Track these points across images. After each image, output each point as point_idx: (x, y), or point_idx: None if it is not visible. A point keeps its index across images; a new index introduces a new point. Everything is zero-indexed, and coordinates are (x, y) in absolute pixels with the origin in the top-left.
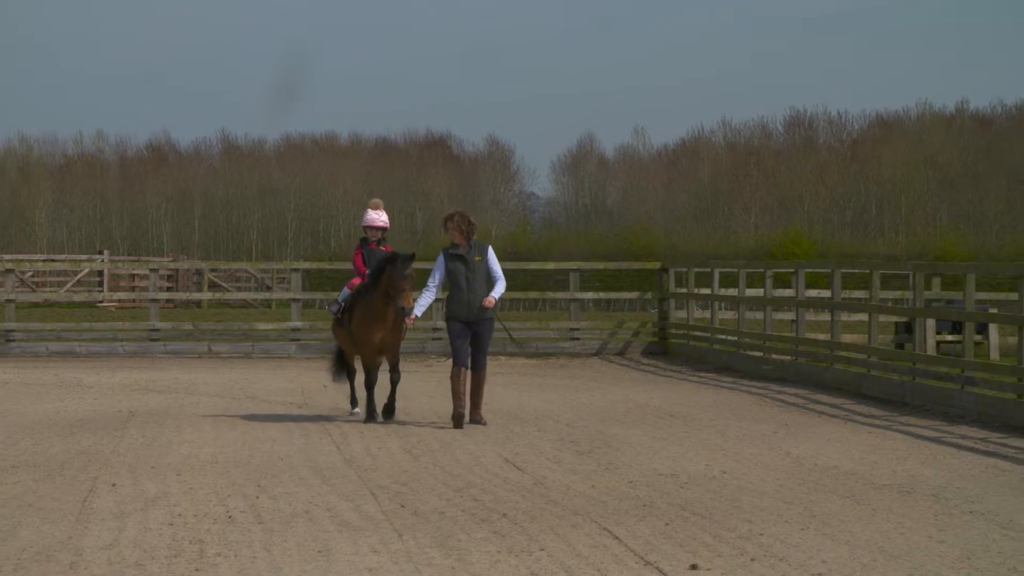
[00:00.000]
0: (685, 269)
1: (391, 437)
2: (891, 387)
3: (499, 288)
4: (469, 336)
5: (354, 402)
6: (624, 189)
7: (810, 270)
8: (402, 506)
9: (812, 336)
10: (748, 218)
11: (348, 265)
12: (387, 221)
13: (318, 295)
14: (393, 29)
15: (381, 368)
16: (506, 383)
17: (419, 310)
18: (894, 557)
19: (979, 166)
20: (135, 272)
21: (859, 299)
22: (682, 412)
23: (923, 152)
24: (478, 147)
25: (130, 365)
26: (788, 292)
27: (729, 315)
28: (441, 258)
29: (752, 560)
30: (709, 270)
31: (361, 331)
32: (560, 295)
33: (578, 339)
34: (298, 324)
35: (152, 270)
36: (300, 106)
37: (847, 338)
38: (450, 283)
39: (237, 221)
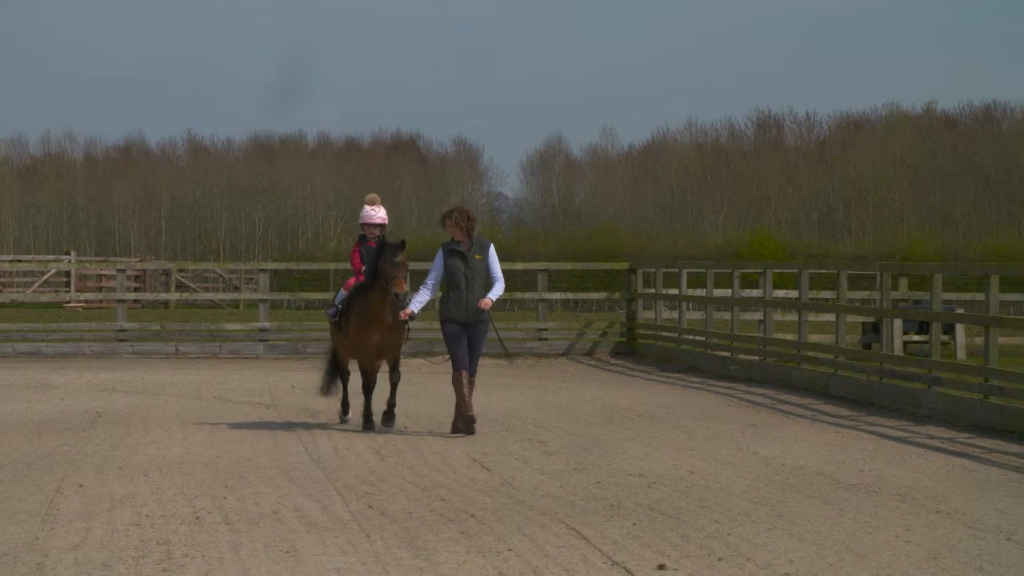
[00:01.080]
0: (653, 269)
1: (359, 437)
2: (858, 387)
3: (497, 290)
4: (465, 339)
5: (346, 409)
6: (592, 189)
7: (778, 270)
8: (370, 506)
9: (780, 336)
10: (716, 219)
11: (315, 265)
12: (385, 217)
13: (286, 295)
14: (361, 31)
15: (379, 369)
16: (477, 385)
17: (415, 307)
18: (861, 556)
19: (947, 167)
20: (102, 272)
21: (826, 299)
22: (650, 412)
23: (891, 153)
24: (446, 148)
25: (97, 366)
26: (756, 292)
27: (697, 315)
28: (440, 255)
29: (719, 560)
30: (677, 270)
31: (359, 334)
32: (528, 295)
33: (546, 339)
34: (266, 324)
35: (119, 270)
36: (301, 104)
37: (814, 338)
38: (447, 281)
39: (205, 222)
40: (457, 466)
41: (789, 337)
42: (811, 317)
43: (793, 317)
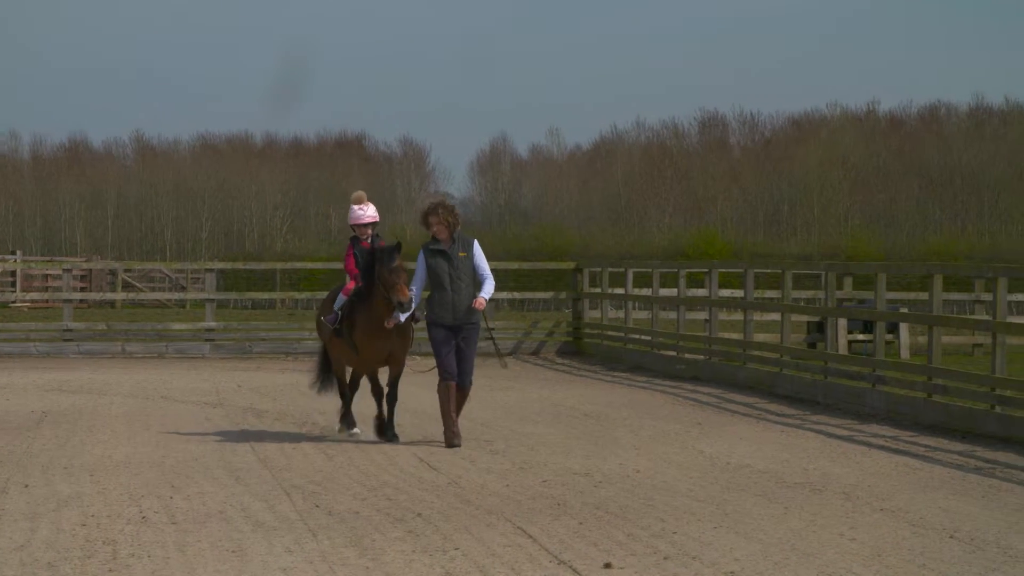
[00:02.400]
0: (599, 269)
1: (305, 437)
2: (803, 386)
3: (488, 287)
4: (454, 344)
5: (350, 422)
6: (538, 189)
7: (723, 270)
8: (317, 506)
9: (725, 336)
10: (662, 218)
11: (262, 265)
12: (376, 214)
13: (233, 295)
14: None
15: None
16: (419, 382)
17: (403, 317)
18: (806, 555)
19: (890, 166)
20: (48, 272)
21: (772, 299)
22: (596, 411)
23: (835, 153)
24: (392, 147)
25: (43, 365)
26: (702, 292)
27: (643, 315)
28: (421, 256)
29: (665, 558)
30: (623, 270)
31: (366, 341)
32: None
33: (493, 339)
34: (212, 324)
35: (66, 270)
36: (298, 105)
37: (760, 337)
38: (431, 282)
39: (151, 221)
40: (404, 465)
41: (735, 336)
42: (756, 316)
43: (739, 316)
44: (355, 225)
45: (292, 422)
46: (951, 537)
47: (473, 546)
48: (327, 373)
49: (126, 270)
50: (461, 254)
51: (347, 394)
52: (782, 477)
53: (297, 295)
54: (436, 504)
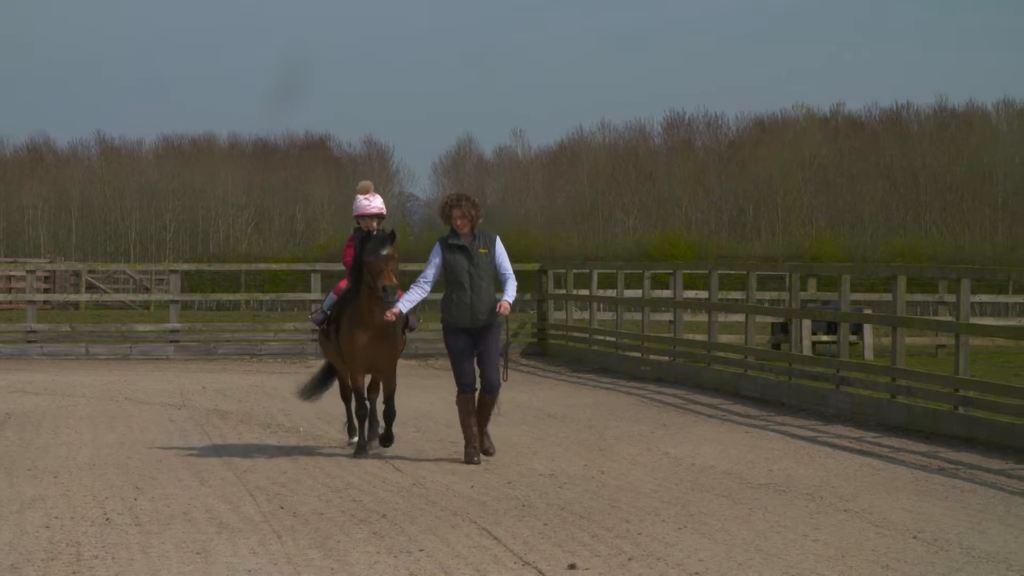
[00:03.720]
0: (564, 270)
1: (270, 438)
2: (767, 387)
3: (512, 289)
4: (473, 350)
5: (354, 430)
6: (503, 191)
7: (688, 271)
8: (281, 507)
9: (690, 337)
10: (627, 220)
11: (227, 266)
12: (383, 206)
13: (197, 297)
14: (270, 30)
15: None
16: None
17: (405, 305)
18: (770, 556)
19: (854, 168)
20: (11, 274)
21: (736, 300)
22: (561, 412)
23: (800, 154)
24: (356, 148)
25: (6, 367)
26: (666, 293)
27: (607, 316)
28: (438, 248)
29: (630, 559)
30: (588, 271)
31: (348, 340)
32: (439, 296)
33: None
34: (177, 326)
35: (29, 271)
36: (299, 104)
37: (724, 338)
38: (447, 281)
39: (115, 222)
40: (368, 467)
41: (699, 338)
42: (721, 317)
43: (703, 317)
44: (360, 216)
45: (257, 424)
46: (914, 538)
47: (438, 547)
48: (322, 383)
49: (90, 271)
50: (482, 251)
51: (349, 402)
52: (746, 478)
53: (262, 296)
54: (401, 505)
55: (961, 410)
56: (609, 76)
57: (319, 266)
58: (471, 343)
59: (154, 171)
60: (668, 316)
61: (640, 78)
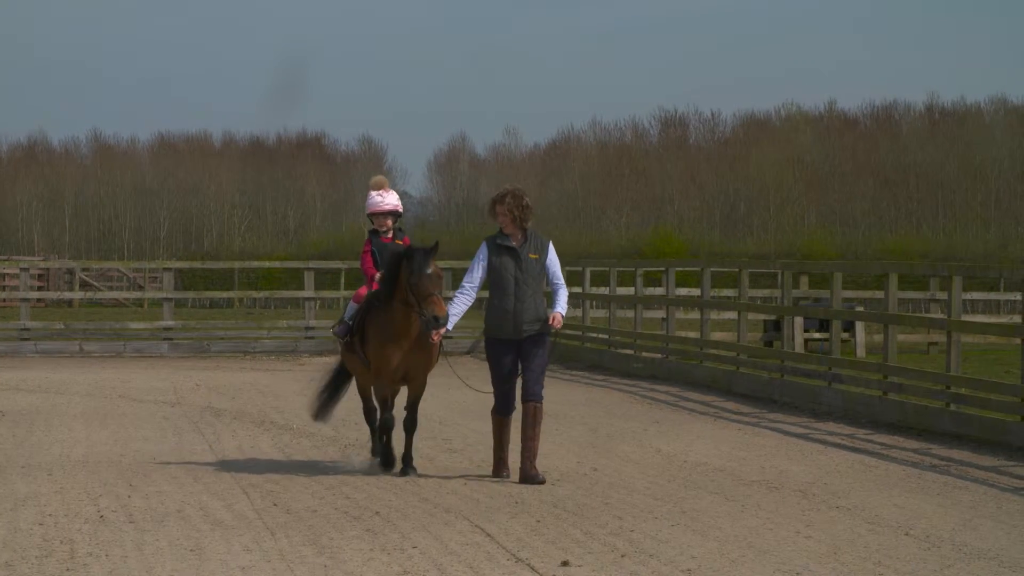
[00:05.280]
0: None
1: (263, 436)
2: (760, 384)
3: (563, 299)
4: (514, 365)
5: (377, 448)
6: (496, 188)
7: (680, 269)
8: (275, 504)
9: (682, 334)
10: (619, 217)
11: (220, 264)
12: (398, 202)
13: (191, 294)
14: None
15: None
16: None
17: (452, 322)
18: (762, 552)
19: (846, 166)
20: (5, 271)
21: (728, 297)
22: (553, 410)
23: (792, 152)
24: (351, 147)
25: (0, 365)
26: (659, 291)
27: (600, 313)
28: (484, 249)
29: (623, 556)
30: (580, 268)
31: (380, 355)
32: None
33: (451, 337)
34: (170, 323)
35: (23, 269)
36: (300, 103)
37: (717, 336)
38: (491, 284)
39: (109, 221)
40: (361, 464)
41: (691, 335)
42: (713, 315)
43: (695, 315)
44: (373, 214)
45: (250, 421)
46: (906, 534)
47: (431, 544)
48: (332, 396)
49: (84, 269)
50: (532, 255)
51: (374, 421)
52: (739, 475)
53: (255, 294)
54: (394, 502)
55: (953, 407)
56: (602, 75)
57: (312, 264)
58: (514, 358)
59: (148, 169)
60: (661, 314)
61: (633, 76)
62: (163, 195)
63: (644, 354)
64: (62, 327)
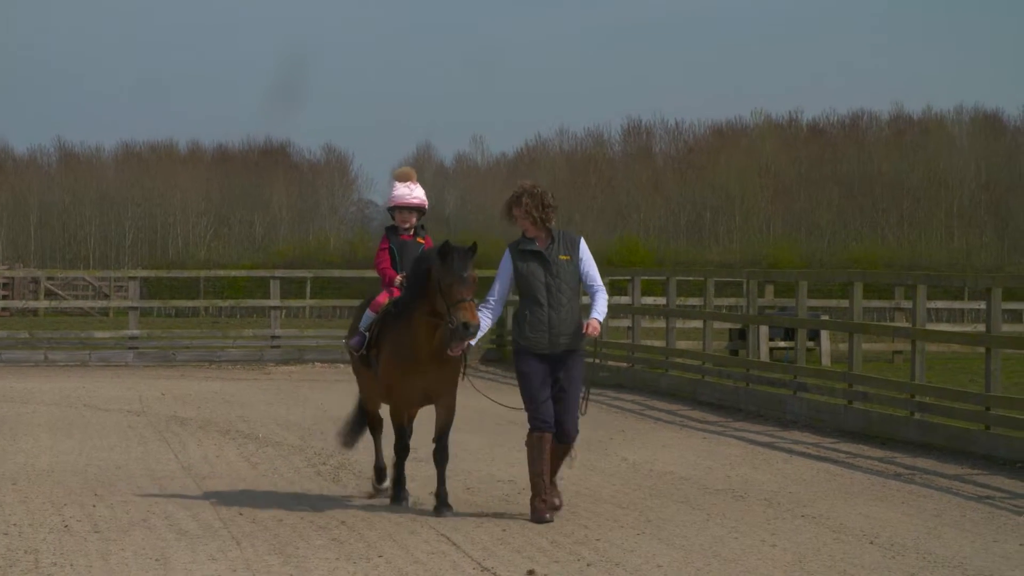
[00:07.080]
0: None
1: (229, 445)
2: (725, 393)
3: (602, 303)
4: (550, 380)
5: (381, 475)
6: (463, 198)
7: (646, 277)
8: (240, 513)
9: (648, 343)
10: (585, 225)
11: (186, 273)
12: (424, 198)
13: (156, 303)
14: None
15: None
16: (346, 391)
17: (475, 338)
18: (728, 561)
19: (812, 175)
20: None
21: (694, 306)
22: (519, 418)
23: (757, 161)
24: (316, 155)
25: None
26: (624, 299)
27: None
28: (507, 257)
29: (588, 565)
30: None
31: (397, 372)
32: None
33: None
34: (136, 332)
35: None
36: (298, 108)
37: (682, 345)
38: (520, 294)
39: (74, 229)
40: (328, 473)
41: (657, 343)
42: (679, 324)
43: (661, 324)
44: (397, 208)
45: (216, 430)
46: (871, 543)
47: (397, 553)
48: (360, 424)
49: (49, 278)
50: (563, 257)
51: (379, 441)
52: (704, 484)
53: (221, 303)
54: (360, 512)
55: (917, 416)
56: (568, 83)
57: (279, 272)
58: (548, 371)
59: (114, 177)
60: (626, 322)
61: (599, 85)
62: (128, 203)
63: (610, 363)
64: (27, 336)
